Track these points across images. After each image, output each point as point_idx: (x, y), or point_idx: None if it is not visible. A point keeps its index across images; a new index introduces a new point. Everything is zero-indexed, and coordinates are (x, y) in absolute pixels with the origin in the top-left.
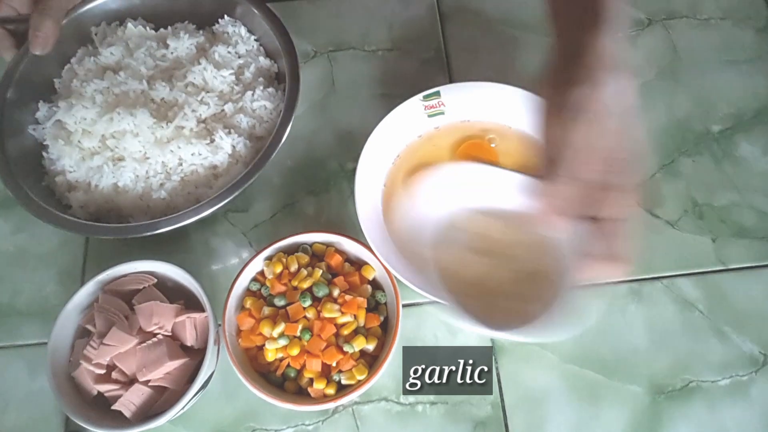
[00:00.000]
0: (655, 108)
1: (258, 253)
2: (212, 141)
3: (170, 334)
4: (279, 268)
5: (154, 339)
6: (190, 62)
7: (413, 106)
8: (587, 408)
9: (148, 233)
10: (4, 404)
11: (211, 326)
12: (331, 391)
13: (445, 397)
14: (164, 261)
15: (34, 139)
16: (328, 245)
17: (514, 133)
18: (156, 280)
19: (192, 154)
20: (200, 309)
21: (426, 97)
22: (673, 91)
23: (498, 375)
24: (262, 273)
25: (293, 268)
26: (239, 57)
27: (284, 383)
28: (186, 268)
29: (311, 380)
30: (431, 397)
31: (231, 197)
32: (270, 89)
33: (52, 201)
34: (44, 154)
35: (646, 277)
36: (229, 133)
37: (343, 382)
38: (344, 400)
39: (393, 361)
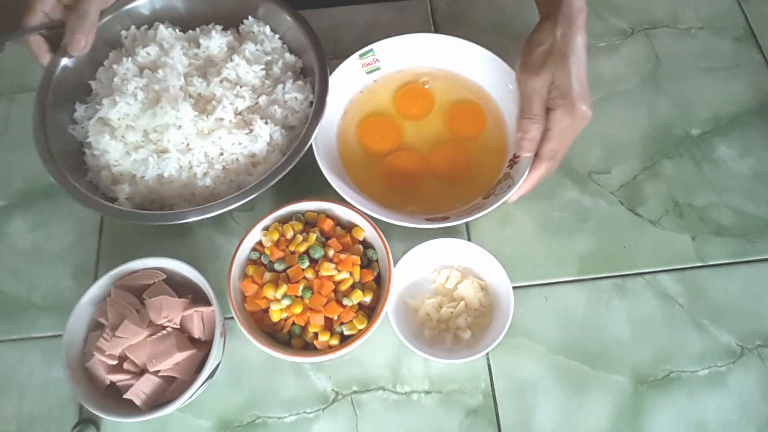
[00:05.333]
0: (637, 113)
1: (255, 224)
2: (251, 131)
3: (179, 326)
4: (276, 236)
5: (164, 331)
6: (223, 60)
7: (351, 65)
8: (573, 397)
9: (208, 215)
10: (22, 393)
11: (217, 319)
12: (335, 341)
13: (439, 386)
14: (173, 258)
15: (74, 139)
16: (319, 212)
17: (445, 73)
18: (165, 276)
19: (232, 144)
20: (207, 303)
21: (362, 56)
22: (655, 97)
23: (489, 366)
24: (260, 243)
25: (289, 234)
26: (266, 54)
27: (291, 340)
28: (194, 265)
29: (316, 334)
30: (426, 386)
31: (275, 181)
32: (299, 82)
33: (97, 195)
34: (86, 151)
35: (629, 272)
36: (266, 123)
37: (346, 332)
38: (350, 348)
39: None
